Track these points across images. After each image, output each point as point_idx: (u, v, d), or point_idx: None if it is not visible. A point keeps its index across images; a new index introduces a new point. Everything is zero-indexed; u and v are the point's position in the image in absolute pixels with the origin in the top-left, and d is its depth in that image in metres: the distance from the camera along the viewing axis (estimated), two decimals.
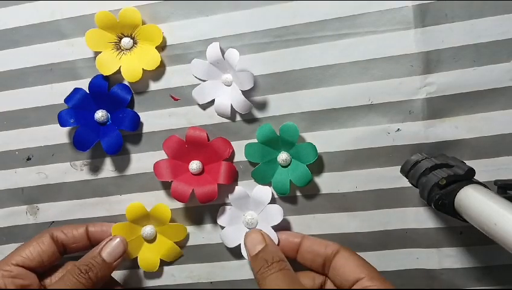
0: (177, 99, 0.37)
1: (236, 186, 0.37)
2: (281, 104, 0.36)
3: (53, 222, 0.40)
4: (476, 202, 0.26)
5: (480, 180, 0.29)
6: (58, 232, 0.36)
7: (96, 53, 0.37)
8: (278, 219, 0.35)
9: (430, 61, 0.33)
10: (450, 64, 0.33)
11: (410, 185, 0.33)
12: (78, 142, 0.36)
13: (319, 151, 0.34)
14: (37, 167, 0.39)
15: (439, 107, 0.34)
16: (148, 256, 0.38)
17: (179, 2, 0.36)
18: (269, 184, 0.36)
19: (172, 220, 0.38)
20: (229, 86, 0.36)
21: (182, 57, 0.36)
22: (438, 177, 0.29)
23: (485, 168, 0.33)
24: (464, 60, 0.33)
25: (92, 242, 0.37)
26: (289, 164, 0.36)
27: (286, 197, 0.37)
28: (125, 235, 0.36)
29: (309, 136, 0.36)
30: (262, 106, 0.36)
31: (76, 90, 0.37)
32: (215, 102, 0.36)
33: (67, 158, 0.39)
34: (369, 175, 0.35)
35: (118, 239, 0.35)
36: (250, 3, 0.35)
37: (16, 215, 0.40)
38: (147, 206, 0.38)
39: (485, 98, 0.33)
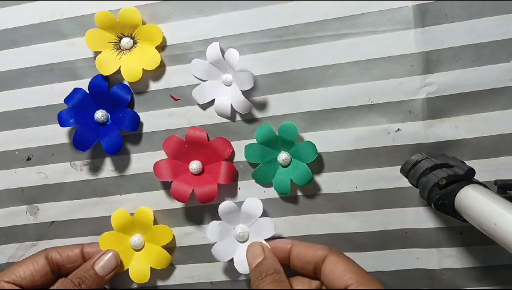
0: (177, 99, 0.37)
1: (225, 201, 0.36)
2: (280, 104, 0.36)
3: (53, 222, 0.40)
4: (476, 202, 0.26)
5: (480, 180, 0.29)
6: (54, 252, 0.36)
7: (96, 53, 0.37)
8: (270, 233, 0.35)
9: (430, 61, 0.33)
10: (450, 64, 0.33)
11: (410, 185, 0.33)
12: (78, 142, 0.36)
13: (319, 151, 0.34)
14: (37, 167, 0.39)
15: (439, 107, 0.34)
16: (138, 266, 0.38)
17: (179, 2, 0.36)
18: (270, 184, 0.36)
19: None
20: (229, 86, 0.36)
21: (182, 57, 0.36)
22: (438, 177, 0.29)
23: (485, 168, 0.33)
24: (464, 60, 0.33)
25: None
26: (289, 164, 0.36)
27: (286, 197, 0.37)
28: (114, 246, 0.37)
29: (309, 136, 0.35)
30: (262, 106, 0.36)
31: (76, 90, 0.37)
32: (215, 102, 0.36)
33: (67, 158, 0.39)
34: (369, 175, 0.35)
35: (110, 253, 0.36)
36: (250, 3, 0.35)
37: (16, 215, 0.40)
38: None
39: (485, 98, 0.33)
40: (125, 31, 0.36)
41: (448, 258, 0.35)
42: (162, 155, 0.37)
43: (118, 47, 0.37)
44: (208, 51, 0.35)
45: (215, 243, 0.36)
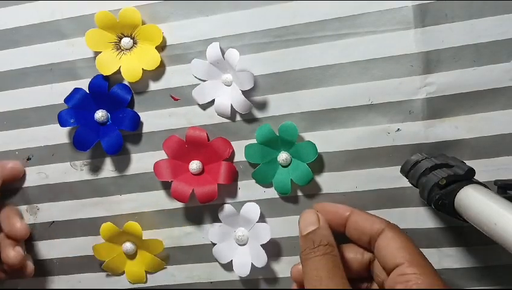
0: (177, 99, 0.37)
1: (225, 204, 0.37)
2: (280, 104, 0.36)
3: (53, 222, 0.40)
4: (476, 202, 0.26)
5: (480, 180, 0.29)
6: None
7: (96, 53, 0.37)
8: (266, 238, 0.35)
9: (430, 61, 0.33)
10: (450, 64, 0.33)
11: (410, 185, 0.33)
12: (78, 142, 0.36)
13: (319, 151, 0.34)
14: (37, 167, 0.39)
15: (439, 107, 0.34)
16: (133, 269, 0.39)
17: (179, 2, 0.36)
18: (270, 184, 0.36)
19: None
20: (229, 86, 0.36)
21: (182, 57, 0.36)
22: (438, 177, 0.29)
23: (485, 168, 0.33)
24: (464, 60, 0.33)
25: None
26: (289, 164, 0.36)
27: (286, 197, 0.37)
28: (107, 254, 0.38)
29: (309, 136, 0.35)
30: (262, 106, 0.36)
31: (76, 90, 0.37)
32: (215, 102, 0.36)
33: (67, 158, 0.39)
34: (369, 175, 0.35)
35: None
36: (250, 3, 0.35)
37: None
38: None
39: (485, 98, 0.33)
40: (125, 31, 0.36)
41: (448, 258, 0.35)
42: (162, 155, 0.37)
43: (118, 47, 0.37)
44: (208, 51, 0.35)
45: (216, 243, 0.36)
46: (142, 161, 0.38)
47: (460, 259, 0.35)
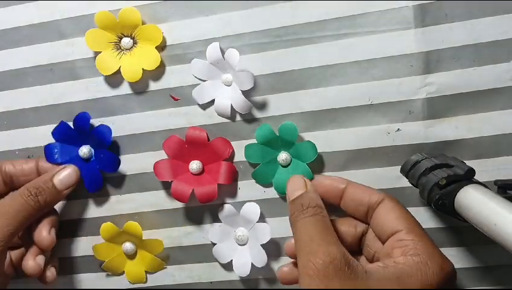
0: (177, 99, 0.37)
1: (225, 204, 0.37)
2: (280, 104, 0.36)
3: None
4: (476, 202, 0.26)
5: (480, 180, 0.29)
6: (8, 164, 0.35)
7: (96, 53, 0.37)
8: (266, 238, 0.35)
9: (430, 61, 0.33)
10: (450, 64, 0.33)
11: (410, 185, 0.33)
12: None
13: (319, 151, 0.34)
14: None
15: (439, 107, 0.34)
16: (133, 269, 0.39)
17: (179, 2, 0.36)
18: (270, 184, 0.36)
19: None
20: (229, 86, 0.36)
21: (182, 57, 0.36)
22: (438, 177, 0.29)
23: (485, 168, 0.33)
24: (464, 60, 0.33)
25: None
26: (289, 164, 0.36)
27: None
28: (107, 254, 0.38)
29: (309, 136, 0.35)
30: (262, 106, 0.36)
31: (63, 124, 0.37)
32: (215, 102, 0.36)
33: None
34: (369, 175, 0.35)
35: (71, 168, 0.35)
36: (250, 3, 0.35)
37: None
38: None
39: (485, 98, 0.33)
40: (125, 31, 0.36)
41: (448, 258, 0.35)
42: (162, 155, 0.37)
43: (118, 47, 0.37)
44: (207, 51, 0.35)
45: (216, 243, 0.36)
46: (142, 161, 0.38)
47: (461, 259, 0.35)
